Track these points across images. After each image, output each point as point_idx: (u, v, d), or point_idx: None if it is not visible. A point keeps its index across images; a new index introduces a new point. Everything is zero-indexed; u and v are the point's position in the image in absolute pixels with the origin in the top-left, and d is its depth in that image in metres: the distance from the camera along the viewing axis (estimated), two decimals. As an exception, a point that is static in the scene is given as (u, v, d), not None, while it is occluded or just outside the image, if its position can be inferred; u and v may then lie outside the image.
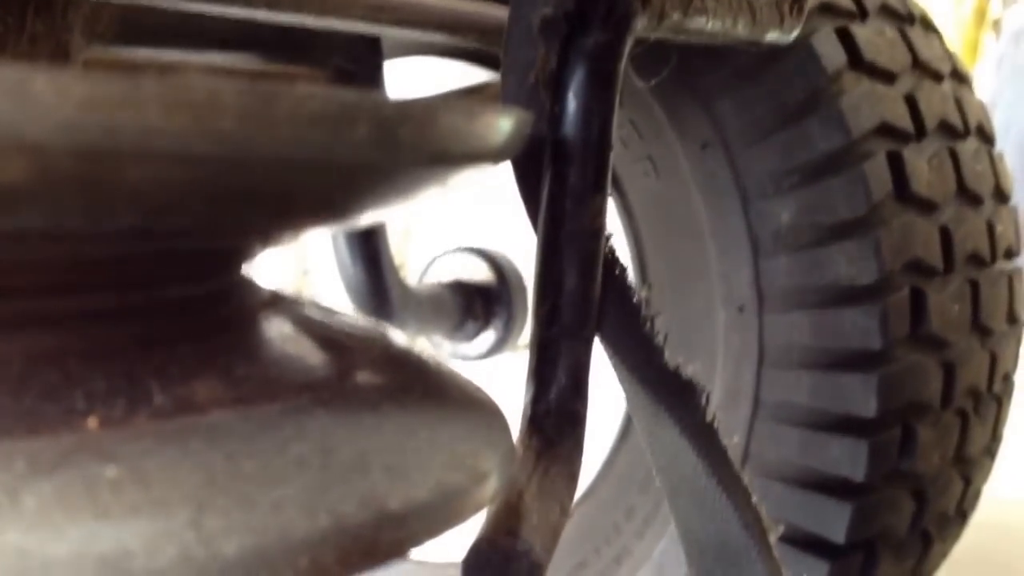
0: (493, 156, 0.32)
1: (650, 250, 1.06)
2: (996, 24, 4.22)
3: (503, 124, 0.31)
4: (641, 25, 0.44)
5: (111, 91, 0.21)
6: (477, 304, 1.21)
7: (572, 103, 0.42)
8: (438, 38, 0.85)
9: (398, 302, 1.09)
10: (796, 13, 0.61)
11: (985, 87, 3.60)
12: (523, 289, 1.22)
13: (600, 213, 0.42)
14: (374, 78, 1.05)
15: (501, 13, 0.91)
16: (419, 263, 1.29)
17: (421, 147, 0.28)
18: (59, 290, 0.28)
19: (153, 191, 0.23)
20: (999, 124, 3.49)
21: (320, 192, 0.28)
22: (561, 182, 0.41)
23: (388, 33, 0.84)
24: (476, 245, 1.25)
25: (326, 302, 0.41)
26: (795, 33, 0.62)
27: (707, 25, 0.50)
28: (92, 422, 0.25)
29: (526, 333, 1.27)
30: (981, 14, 4.17)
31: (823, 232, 0.92)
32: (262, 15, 0.72)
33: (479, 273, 1.22)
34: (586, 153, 0.42)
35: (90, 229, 0.24)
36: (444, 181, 0.31)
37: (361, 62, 1.03)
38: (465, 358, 1.23)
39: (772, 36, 0.59)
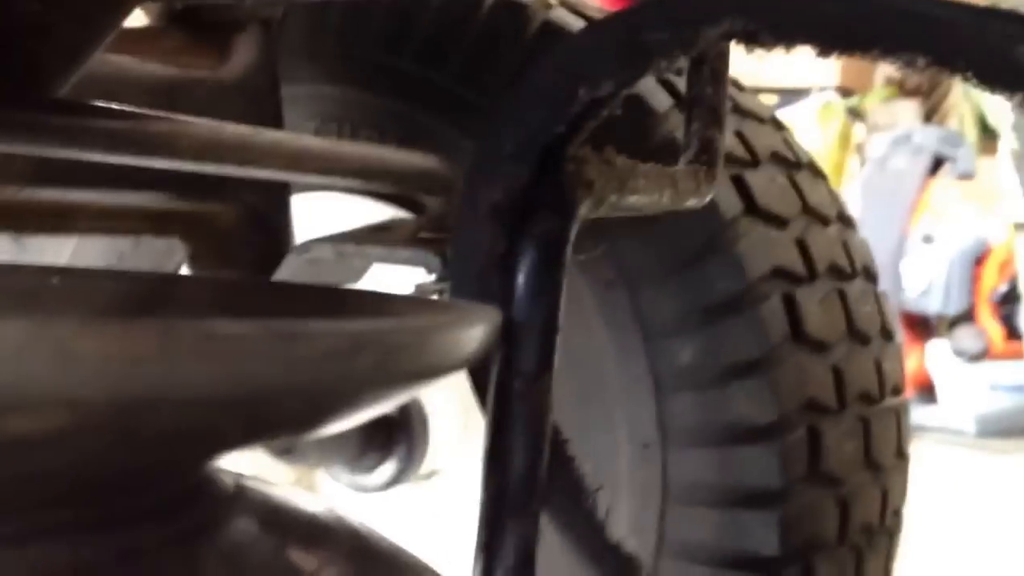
0: (471, 361, 0.33)
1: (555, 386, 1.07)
2: (860, 148, 4.41)
3: (482, 333, 0.33)
4: (584, 210, 0.46)
5: (148, 344, 0.22)
6: (377, 436, 1.21)
7: (521, 287, 0.44)
8: (355, 184, 0.86)
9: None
10: (709, 180, 0.64)
11: (854, 206, 3.75)
12: (424, 421, 1.22)
13: (548, 392, 0.44)
14: (282, 214, 1.05)
15: (413, 159, 0.93)
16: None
17: (415, 368, 0.29)
18: (45, 505, 0.28)
19: (178, 431, 0.24)
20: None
21: (310, 412, 0.29)
22: (510, 364, 0.43)
23: (306, 180, 0.85)
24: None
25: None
26: (709, 197, 0.65)
27: (638, 202, 0.53)
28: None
29: (426, 464, 1.27)
30: (846, 138, 4.36)
31: (723, 372, 0.95)
32: (187, 166, 0.72)
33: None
34: (535, 335, 0.43)
35: (105, 467, 0.24)
36: (424, 388, 0.32)
37: (270, 199, 1.03)
38: (364, 490, 1.22)
39: (691, 203, 0.62)
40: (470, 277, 0.44)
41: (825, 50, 0.39)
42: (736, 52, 0.64)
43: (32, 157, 0.82)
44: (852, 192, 3.84)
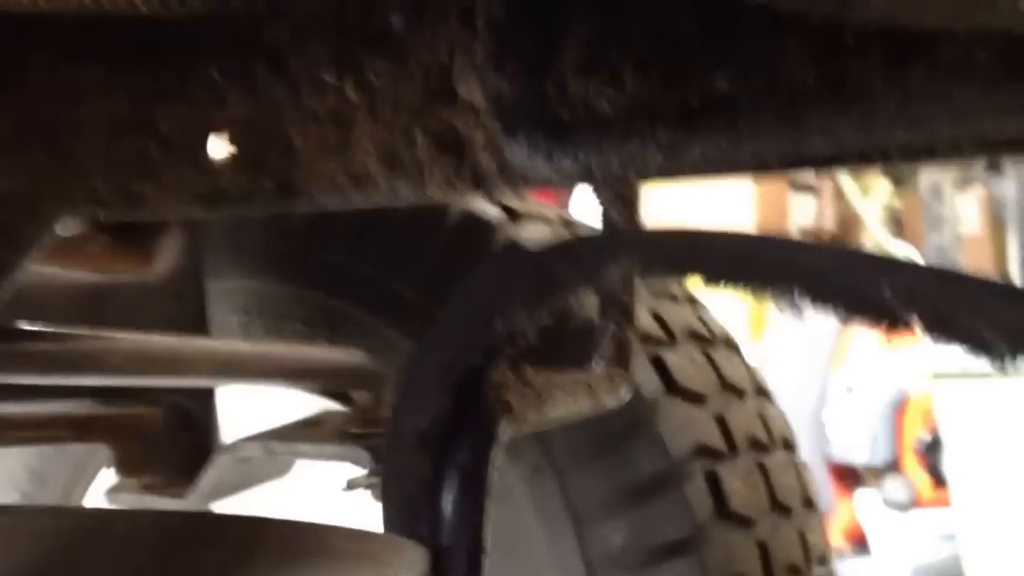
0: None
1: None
2: (778, 301, 4.48)
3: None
4: (505, 433, 0.49)
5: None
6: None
7: (448, 510, 0.46)
8: (282, 383, 0.88)
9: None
10: (624, 380, 0.68)
11: (775, 359, 3.81)
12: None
13: (478, 613, 0.46)
14: (208, 413, 1.07)
15: (340, 357, 0.95)
16: None
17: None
18: None
19: None
20: (792, 397, 3.69)
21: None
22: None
23: (237, 383, 0.87)
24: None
25: None
26: (626, 395, 0.68)
27: (556, 412, 0.56)
28: None
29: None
30: (764, 291, 4.43)
31: (653, 554, 0.98)
32: (115, 381, 0.74)
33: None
34: (463, 555, 0.46)
35: None
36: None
37: (196, 399, 1.05)
38: None
39: (609, 403, 0.65)
40: (400, 508, 0.46)
41: (712, 282, 0.43)
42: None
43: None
44: (772, 344, 3.91)
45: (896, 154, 0.61)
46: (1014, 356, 0.39)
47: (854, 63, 0.58)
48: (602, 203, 0.70)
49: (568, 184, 0.70)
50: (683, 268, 0.43)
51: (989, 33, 0.54)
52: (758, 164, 0.63)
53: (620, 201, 0.69)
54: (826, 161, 0.62)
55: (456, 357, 0.47)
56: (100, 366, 0.73)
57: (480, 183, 0.70)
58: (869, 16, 0.47)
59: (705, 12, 0.61)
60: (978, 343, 0.40)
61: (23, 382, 0.72)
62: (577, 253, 0.46)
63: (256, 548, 0.41)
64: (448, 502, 0.46)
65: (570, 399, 0.58)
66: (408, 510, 0.46)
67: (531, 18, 0.65)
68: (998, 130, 0.56)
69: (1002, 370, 0.36)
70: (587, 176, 0.65)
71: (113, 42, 0.79)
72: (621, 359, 0.68)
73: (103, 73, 0.80)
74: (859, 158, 0.62)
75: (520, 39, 0.65)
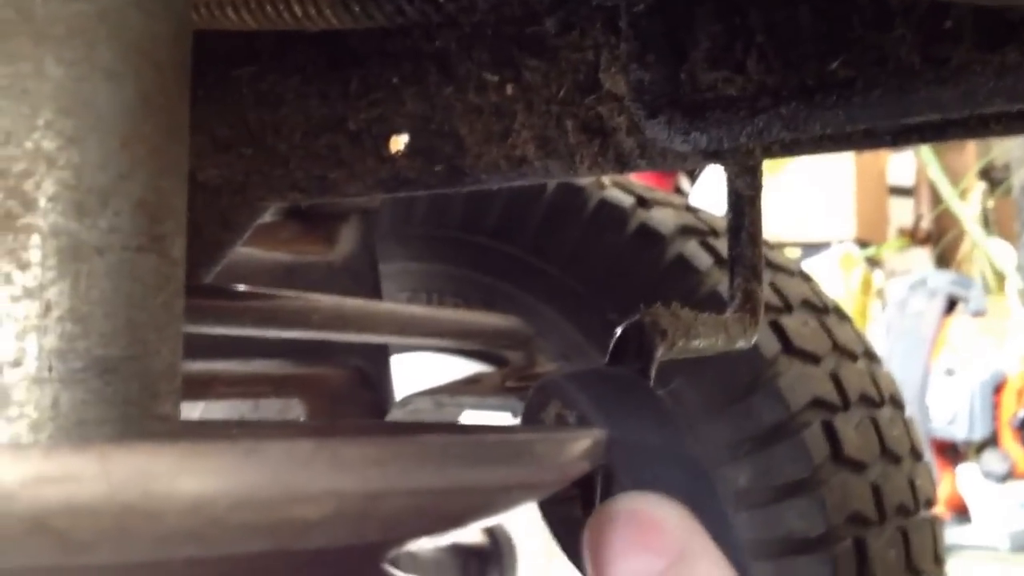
0: (590, 465, 0.40)
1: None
2: (880, 293, 4.44)
3: (587, 445, 0.39)
4: (661, 353, 0.53)
5: (385, 453, 0.29)
6: (473, 565, 1.26)
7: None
8: (450, 344, 0.94)
9: (402, 563, 1.14)
10: (754, 325, 0.71)
11: (879, 349, 3.76)
12: (513, 551, 1.27)
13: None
14: (384, 374, 1.13)
15: (497, 321, 1.01)
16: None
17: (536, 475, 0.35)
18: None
19: (399, 516, 0.31)
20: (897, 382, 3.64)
21: (472, 508, 0.36)
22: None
23: (411, 342, 0.93)
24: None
25: None
26: (754, 339, 0.72)
27: (699, 345, 0.60)
28: None
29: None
30: (867, 285, 4.40)
31: (775, 492, 1.00)
32: (317, 335, 0.80)
33: (474, 536, 1.27)
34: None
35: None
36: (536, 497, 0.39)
37: (373, 361, 1.11)
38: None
39: (740, 344, 0.68)
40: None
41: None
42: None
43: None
44: (876, 333, 3.87)
45: (994, 124, 0.63)
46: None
47: (955, 45, 0.60)
48: (729, 175, 0.73)
49: (701, 160, 0.73)
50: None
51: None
52: (869, 136, 0.66)
53: (746, 173, 0.73)
54: (932, 133, 0.65)
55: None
56: (305, 322, 0.79)
57: (623, 162, 0.74)
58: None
59: (820, 6, 0.65)
60: None
61: (240, 334, 0.79)
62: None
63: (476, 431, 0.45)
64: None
65: (710, 335, 0.61)
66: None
67: (666, 18, 0.69)
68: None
69: None
70: (719, 151, 0.68)
71: (307, 54, 0.85)
72: (751, 307, 0.71)
73: (300, 81, 0.86)
74: (961, 129, 0.65)
75: (656, 37, 0.69)
